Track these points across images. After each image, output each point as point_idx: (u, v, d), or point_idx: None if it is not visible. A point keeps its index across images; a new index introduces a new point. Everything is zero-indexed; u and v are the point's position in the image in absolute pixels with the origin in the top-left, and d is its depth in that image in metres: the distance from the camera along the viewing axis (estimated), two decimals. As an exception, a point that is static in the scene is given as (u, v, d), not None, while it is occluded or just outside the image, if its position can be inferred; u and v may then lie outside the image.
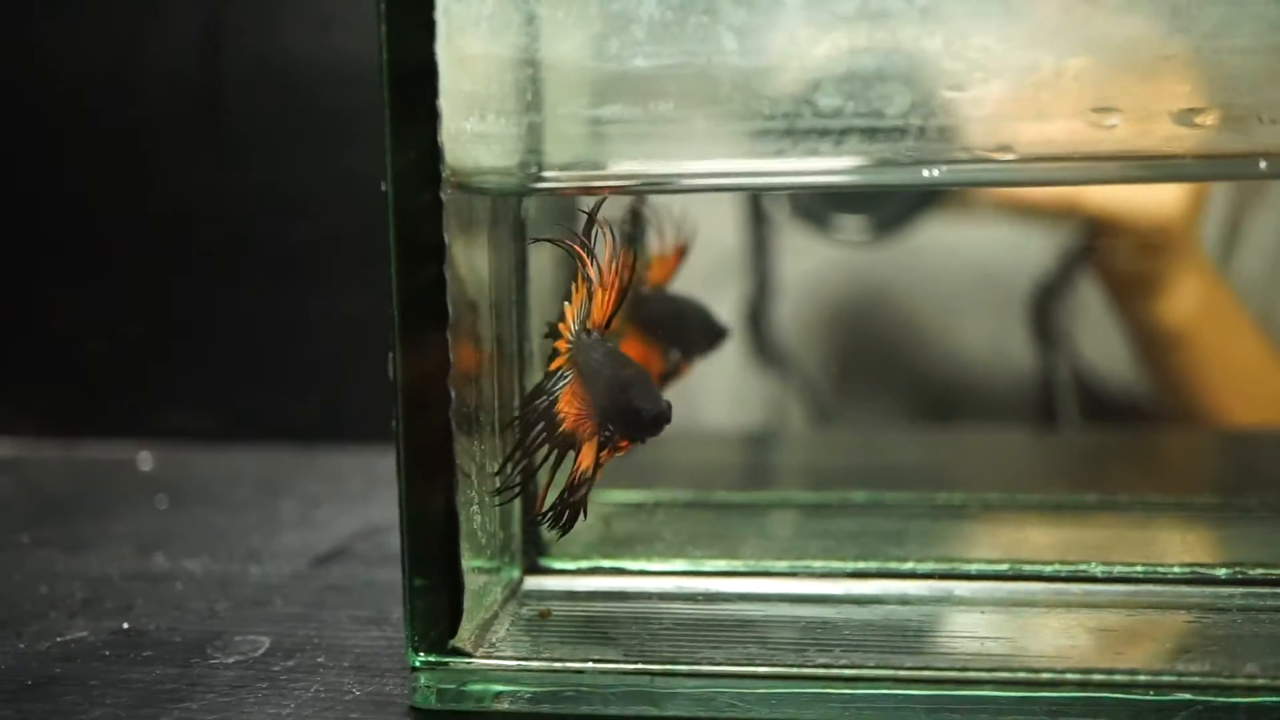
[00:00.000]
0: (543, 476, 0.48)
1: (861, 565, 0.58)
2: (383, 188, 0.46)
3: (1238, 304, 0.96)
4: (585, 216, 0.46)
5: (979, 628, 0.53)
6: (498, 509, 0.54)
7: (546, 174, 0.49)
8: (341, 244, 1.12)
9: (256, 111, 1.17)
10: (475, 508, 0.51)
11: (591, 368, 0.48)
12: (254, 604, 0.61)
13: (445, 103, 0.46)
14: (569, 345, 0.48)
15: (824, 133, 0.49)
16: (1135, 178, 0.48)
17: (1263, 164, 0.45)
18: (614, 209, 0.50)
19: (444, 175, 0.46)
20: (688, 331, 0.61)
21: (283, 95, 1.15)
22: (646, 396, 0.47)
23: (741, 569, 0.58)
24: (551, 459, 0.47)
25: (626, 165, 0.48)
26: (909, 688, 0.47)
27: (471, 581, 0.50)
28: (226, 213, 1.17)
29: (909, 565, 0.57)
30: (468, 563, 0.49)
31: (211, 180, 1.16)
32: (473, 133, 0.47)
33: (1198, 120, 0.47)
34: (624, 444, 0.48)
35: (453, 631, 0.48)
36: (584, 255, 0.46)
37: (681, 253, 0.60)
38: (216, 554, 0.70)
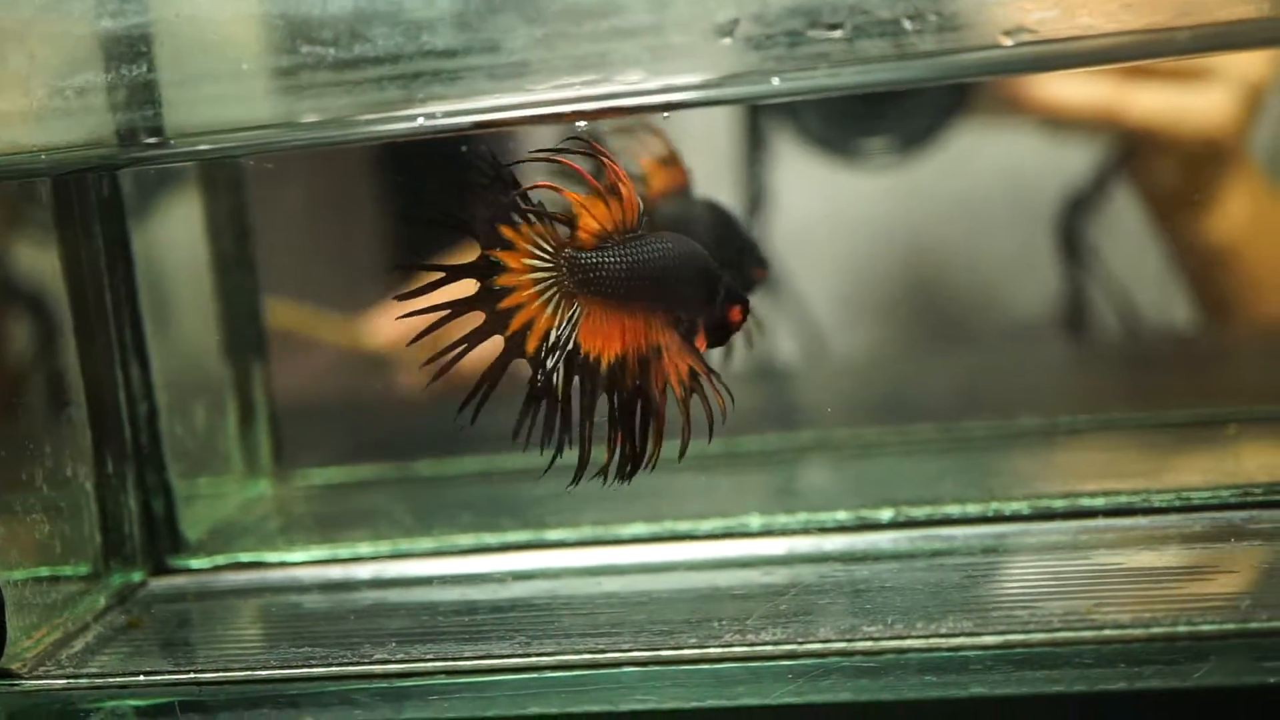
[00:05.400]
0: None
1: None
2: None
3: None
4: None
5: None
6: (94, 511, 0.51)
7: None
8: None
9: None
10: (39, 515, 0.48)
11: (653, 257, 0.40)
12: None
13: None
14: (553, 272, 0.39)
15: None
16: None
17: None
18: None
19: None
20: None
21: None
22: None
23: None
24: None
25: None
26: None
27: (39, 594, 0.47)
28: None
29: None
30: (23, 574, 0.46)
31: None
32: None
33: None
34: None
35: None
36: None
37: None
38: None
